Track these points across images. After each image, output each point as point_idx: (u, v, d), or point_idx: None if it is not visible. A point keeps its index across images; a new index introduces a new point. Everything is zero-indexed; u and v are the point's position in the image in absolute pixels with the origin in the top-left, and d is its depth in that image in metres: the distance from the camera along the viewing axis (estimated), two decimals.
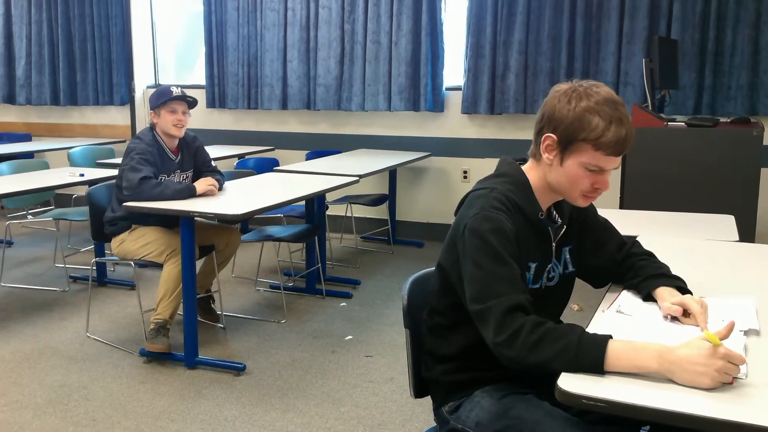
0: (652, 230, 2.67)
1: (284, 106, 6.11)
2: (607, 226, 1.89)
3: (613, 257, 1.85)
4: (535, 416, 1.58)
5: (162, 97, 3.58)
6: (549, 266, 1.74)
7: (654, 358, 1.32)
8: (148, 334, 3.47)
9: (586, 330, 1.45)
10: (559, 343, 1.40)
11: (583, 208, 1.80)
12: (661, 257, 1.85)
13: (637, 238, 1.94)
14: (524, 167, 1.75)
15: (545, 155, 1.66)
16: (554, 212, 1.80)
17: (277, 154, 6.05)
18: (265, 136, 6.30)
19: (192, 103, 3.67)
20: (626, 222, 2.95)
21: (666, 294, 1.68)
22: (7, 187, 4.07)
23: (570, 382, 1.30)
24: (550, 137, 1.63)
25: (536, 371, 1.44)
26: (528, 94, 5.33)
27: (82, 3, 6.71)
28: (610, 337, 1.38)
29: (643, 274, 1.77)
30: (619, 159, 1.61)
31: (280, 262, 4.73)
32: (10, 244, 5.64)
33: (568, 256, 1.80)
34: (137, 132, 6.60)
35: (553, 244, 1.75)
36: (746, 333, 1.51)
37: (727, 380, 1.27)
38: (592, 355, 1.35)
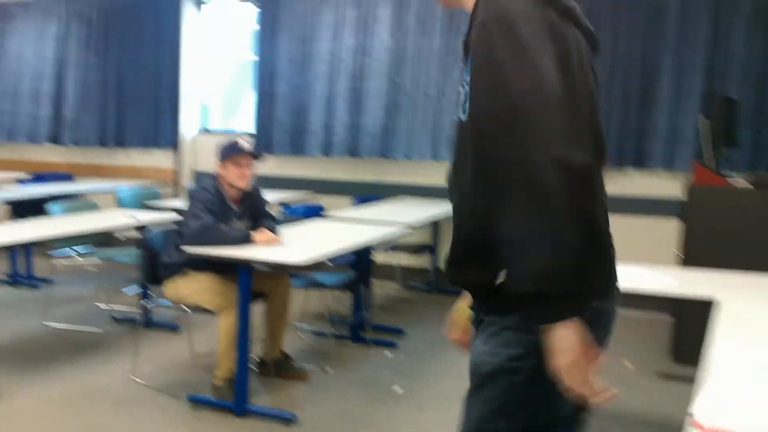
0: (726, 291, 2.58)
1: (329, 152, 6.14)
2: None
3: None
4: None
5: (231, 151, 3.60)
6: None
7: None
8: (218, 390, 3.43)
9: None
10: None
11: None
12: (750, 323, 1.78)
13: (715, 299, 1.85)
14: None
15: None
16: None
17: (321, 199, 6.05)
18: (309, 181, 6.33)
19: (258, 157, 3.70)
20: (696, 281, 2.88)
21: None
22: (63, 229, 4.02)
23: (705, 417, 1.23)
24: None
25: None
26: None
27: (138, 51, 6.88)
28: None
29: None
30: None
31: (325, 309, 4.67)
32: (51, 282, 5.66)
33: None
34: (181, 175, 6.82)
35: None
36: None
37: None
38: None
